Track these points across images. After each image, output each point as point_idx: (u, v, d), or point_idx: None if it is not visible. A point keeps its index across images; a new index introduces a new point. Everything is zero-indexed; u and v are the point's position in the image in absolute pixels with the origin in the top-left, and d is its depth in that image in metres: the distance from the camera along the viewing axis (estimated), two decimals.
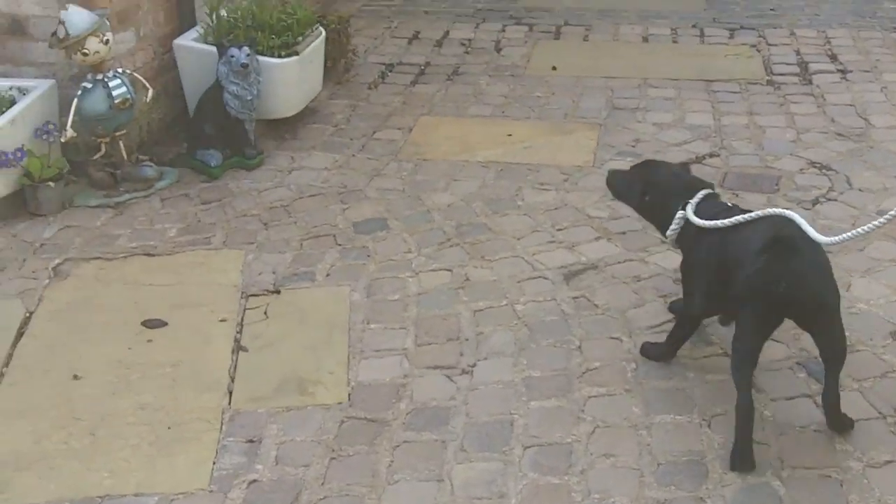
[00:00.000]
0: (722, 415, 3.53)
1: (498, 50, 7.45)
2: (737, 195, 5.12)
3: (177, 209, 5.14)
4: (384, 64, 7.16)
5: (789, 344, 3.89)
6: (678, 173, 3.93)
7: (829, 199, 5.08)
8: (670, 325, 3.95)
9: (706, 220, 3.55)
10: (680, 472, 3.31)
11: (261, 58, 5.58)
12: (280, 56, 5.72)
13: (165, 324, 4.18)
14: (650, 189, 3.83)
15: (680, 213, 3.66)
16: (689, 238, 3.65)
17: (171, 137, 5.92)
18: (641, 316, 4.14)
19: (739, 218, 3.48)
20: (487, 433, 3.49)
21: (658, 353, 3.83)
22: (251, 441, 3.49)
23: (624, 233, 4.78)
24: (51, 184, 5.01)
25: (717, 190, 5.05)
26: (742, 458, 3.27)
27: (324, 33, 6.19)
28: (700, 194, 3.70)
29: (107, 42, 5.06)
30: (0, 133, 4.84)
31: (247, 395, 3.73)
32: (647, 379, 3.74)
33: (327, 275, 4.51)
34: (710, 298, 3.53)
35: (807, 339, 3.88)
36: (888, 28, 7.84)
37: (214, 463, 3.40)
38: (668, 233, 3.72)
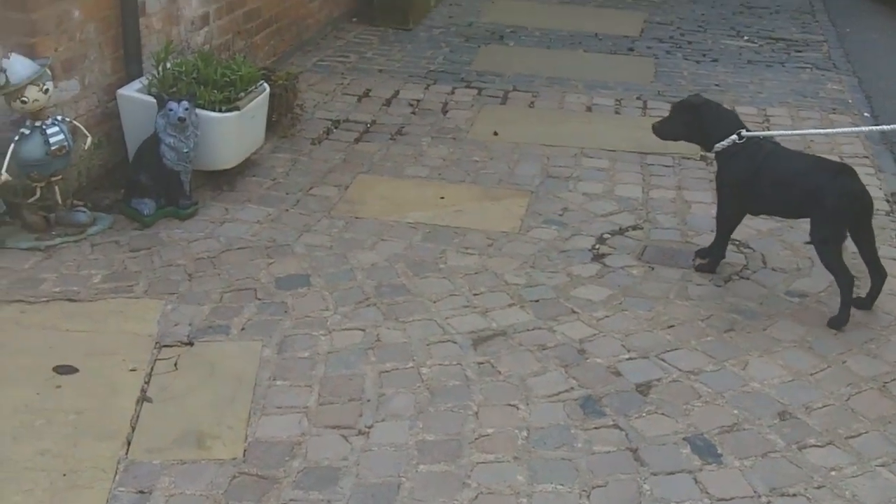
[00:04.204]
0: (602, 486, 3.64)
1: (444, 112, 7.62)
2: (652, 268, 5.27)
3: (105, 255, 5.23)
4: (331, 120, 7.31)
5: (678, 419, 4.02)
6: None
7: (742, 277, 5.22)
8: (567, 394, 4.11)
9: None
10: None
11: (201, 112, 5.72)
12: (221, 111, 5.85)
13: (77, 370, 4.27)
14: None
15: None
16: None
17: (111, 183, 6.03)
18: (541, 384, 4.25)
19: None
20: (373, 495, 3.59)
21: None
22: (142, 492, 3.57)
23: (537, 301, 4.92)
24: None
25: (635, 262, 5.21)
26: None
27: (267, 89, 6.33)
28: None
29: (46, 91, 5.17)
30: None
31: (144, 446, 3.81)
32: (536, 448, 3.85)
33: (242, 329, 4.61)
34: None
35: (696, 415, 4.03)
36: (827, 109, 8.07)
37: None
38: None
